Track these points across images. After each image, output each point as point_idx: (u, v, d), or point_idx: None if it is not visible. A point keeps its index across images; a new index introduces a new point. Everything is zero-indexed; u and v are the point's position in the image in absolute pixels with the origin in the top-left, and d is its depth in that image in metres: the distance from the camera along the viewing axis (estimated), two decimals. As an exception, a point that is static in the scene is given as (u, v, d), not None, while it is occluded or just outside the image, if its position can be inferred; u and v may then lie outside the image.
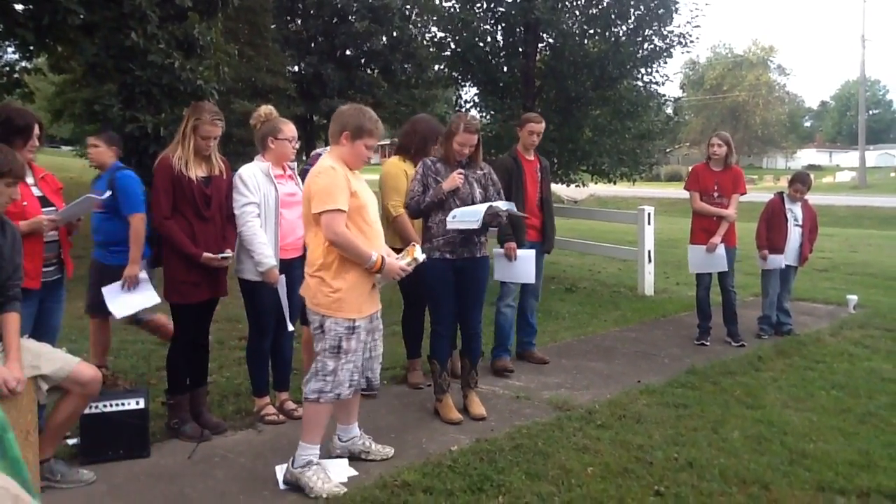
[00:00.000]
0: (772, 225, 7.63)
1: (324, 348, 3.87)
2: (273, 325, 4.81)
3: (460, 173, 4.91)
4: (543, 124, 6.28)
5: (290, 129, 4.81)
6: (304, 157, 8.68)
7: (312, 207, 3.82)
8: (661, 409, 5.19)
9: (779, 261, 7.54)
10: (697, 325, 7.38)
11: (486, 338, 5.80)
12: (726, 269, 7.19)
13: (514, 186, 6.07)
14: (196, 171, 4.45)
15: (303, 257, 4.80)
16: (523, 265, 5.95)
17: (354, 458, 4.25)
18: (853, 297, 9.04)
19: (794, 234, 7.61)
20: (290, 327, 4.86)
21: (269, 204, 4.65)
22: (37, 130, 4.00)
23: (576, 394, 5.58)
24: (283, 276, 4.65)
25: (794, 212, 7.64)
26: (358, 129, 3.92)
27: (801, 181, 7.71)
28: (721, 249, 7.07)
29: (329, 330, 3.84)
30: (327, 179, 3.81)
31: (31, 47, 11.18)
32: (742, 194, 7.17)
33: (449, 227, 4.80)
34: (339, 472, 4.04)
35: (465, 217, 4.72)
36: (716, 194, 7.11)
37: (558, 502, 3.73)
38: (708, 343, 7.17)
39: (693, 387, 5.71)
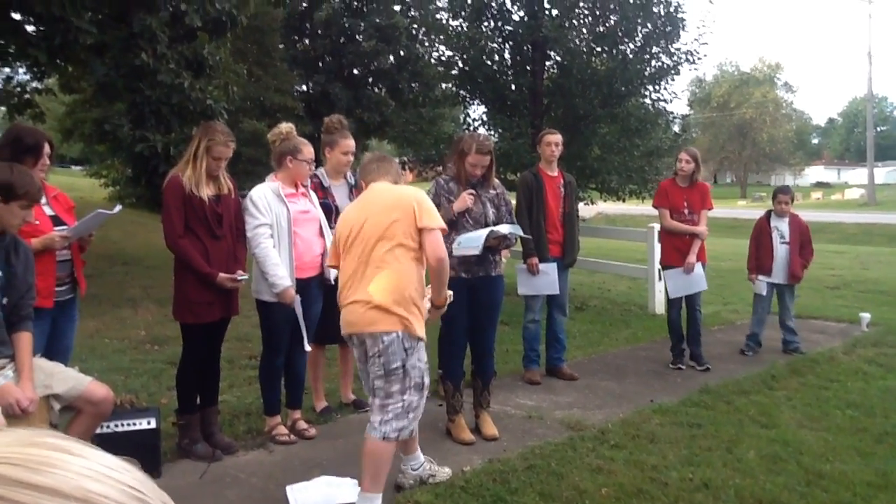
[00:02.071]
0: (759, 244, 7.47)
1: (408, 387, 3.71)
2: (286, 344, 4.80)
3: (471, 193, 4.90)
4: (559, 136, 6.38)
5: (309, 150, 4.80)
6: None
7: (426, 220, 3.73)
8: (675, 428, 5.14)
9: (760, 286, 7.39)
10: (671, 348, 7.10)
11: (498, 356, 5.77)
12: (706, 288, 6.99)
13: (535, 202, 6.16)
14: (206, 191, 4.45)
15: (320, 276, 4.80)
16: (546, 277, 6.15)
17: (423, 484, 4.13)
18: (866, 315, 8.97)
19: (781, 252, 7.37)
20: (308, 347, 4.83)
21: (282, 224, 4.64)
22: (47, 149, 3.99)
23: (588, 413, 5.54)
24: (298, 296, 4.63)
25: (780, 228, 7.42)
26: None
27: (783, 192, 7.52)
28: (699, 268, 6.82)
29: (413, 368, 3.71)
30: (427, 198, 3.84)
31: (43, 67, 11.27)
32: (709, 209, 6.93)
33: (455, 253, 4.80)
34: (350, 493, 3.99)
35: (469, 243, 4.73)
36: (686, 211, 6.87)
37: (573, 524, 3.69)
38: (683, 367, 6.92)
39: (706, 406, 5.66)
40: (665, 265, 7.08)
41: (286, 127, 4.87)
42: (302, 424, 4.96)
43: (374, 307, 3.66)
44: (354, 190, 5.34)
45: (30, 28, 10.20)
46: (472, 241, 4.71)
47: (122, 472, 0.49)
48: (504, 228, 4.84)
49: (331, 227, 4.76)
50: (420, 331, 3.73)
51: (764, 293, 7.40)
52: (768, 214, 7.58)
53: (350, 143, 5.24)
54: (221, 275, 4.41)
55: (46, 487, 0.44)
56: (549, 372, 6.57)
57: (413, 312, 3.70)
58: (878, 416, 5.49)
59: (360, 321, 3.70)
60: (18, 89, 11.84)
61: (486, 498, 3.92)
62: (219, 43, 11.51)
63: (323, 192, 5.16)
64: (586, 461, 4.48)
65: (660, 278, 9.78)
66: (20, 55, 10.65)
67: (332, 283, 4.57)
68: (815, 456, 4.63)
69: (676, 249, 6.91)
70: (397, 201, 3.77)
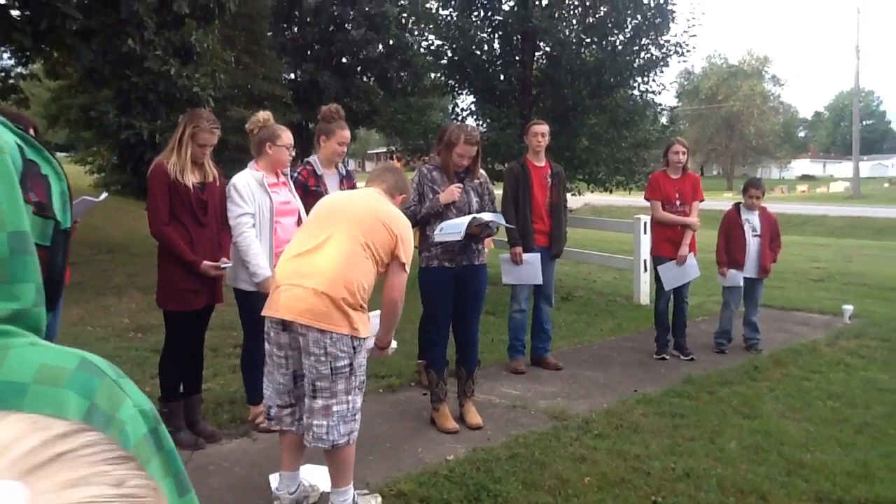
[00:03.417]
0: (730, 238, 7.29)
1: (353, 386, 3.50)
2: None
3: (458, 187, 4.89)
4: (546, 126, 6.40)
5: (287, 136, 4.79)
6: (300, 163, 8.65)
7: (402, 254, 3.60)
8: (658, 418, 5.17)
9: (736, 278, 7.23)
10: (655, 339, 7.11)
11: (483, 346, 5.78)
12: (699, 274, 7.04)
13: (521, 192, 6.18)
14: (191, 178, 4.43)
15: None
16: (529, 267, 6.17)
17: None
18: (849, 308, 9.03)
19: (753, 245, 7.23)
20: None
21: (264, 214, 4.62)
22: (32, 134, 3.96)
23: (572, 403, 5.56)
24: None
25: (752, 221, 7.25)
26: None
27: (754, 186, 7.32)
28: (691, 257, 6.85)
29: (359, 366, 3.52)
30: (410, 235, 3.70)
31: (28, 53, 11.16)
32: (701, 201, 6.99)
33: (436, 239, 4.79)
34: (323, 481, 3.96)
35: (451, 230, 4.73)
36: (678, 202, 6.88)
37: (555, 512, 3.71)
38: (667, 357, 6.95)
39: (690, 396, 5.69)
40: (656, 256, 7.08)
41: (264, 115, 4.85)
42: (286, 413, 4.95)
43: (329, 299, 3.39)
44: (345, 181, 5.32)
45: (14, 12, 10.08)
46: (453, 228, 4.71)
47: None
48: (486, 216, 4.85)
49: None
50: (365, 332, 3.54)
51: (741, 284, 7.26)
52: (737, 207, 7.41)
53: (347, 133, 5.18)
54: (205, 262, 4.40)
55: None
56: (534, 362, 6.60)
57: (361, 312, 3.50)
58: (859, 406, 5.54)
59: (307, 311, 3.40)
60: (2, 74, 11.73)
61: (469, 487, 3.93)
62: (207, 30, 11.42)
63: (315, 179, 5.13)
64: (570, 451, 4.51)
65: (646, 269, 9.83)
66: (4, 40, 10.51)
67: None
68: (797, 446, 4.67)
69: (668, 240, 6.92)
70: (388, 215, 3.63)
